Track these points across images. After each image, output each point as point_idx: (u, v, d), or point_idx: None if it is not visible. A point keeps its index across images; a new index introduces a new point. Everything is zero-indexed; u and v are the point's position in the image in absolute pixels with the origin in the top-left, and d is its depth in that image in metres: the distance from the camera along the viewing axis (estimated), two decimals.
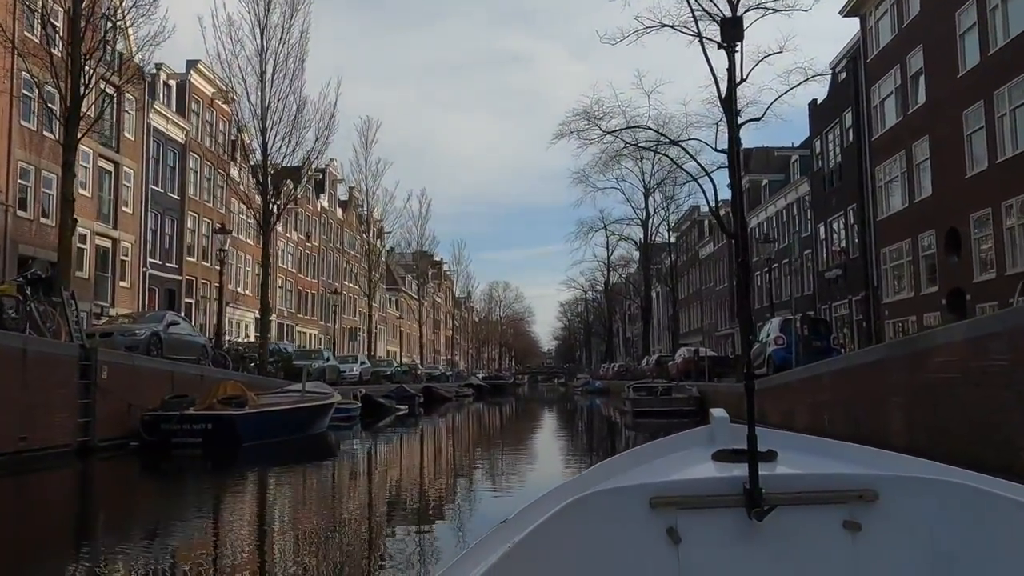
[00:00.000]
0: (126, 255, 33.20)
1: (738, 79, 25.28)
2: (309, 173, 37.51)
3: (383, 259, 62.83)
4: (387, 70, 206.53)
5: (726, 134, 26.88)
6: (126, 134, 33.06)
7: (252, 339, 38.04)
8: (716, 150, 28.29)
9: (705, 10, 24.48)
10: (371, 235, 58.82)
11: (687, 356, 37.43)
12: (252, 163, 32.07)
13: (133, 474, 15.32)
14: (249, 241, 44.72)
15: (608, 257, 72.58)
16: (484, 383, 70.61)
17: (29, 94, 24.98)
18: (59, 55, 19.47)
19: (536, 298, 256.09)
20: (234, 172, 36.38)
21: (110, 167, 32.05)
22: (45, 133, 25.80)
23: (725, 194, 34.50)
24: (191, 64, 38.52)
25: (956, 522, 2.54)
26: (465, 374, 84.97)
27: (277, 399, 20.39)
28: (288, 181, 32.77)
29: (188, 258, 38.49)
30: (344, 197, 64.21)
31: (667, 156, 37.55)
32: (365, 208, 57.12)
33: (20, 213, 26.29)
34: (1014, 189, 20.60)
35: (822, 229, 36.51)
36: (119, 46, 24.36)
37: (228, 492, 12.82)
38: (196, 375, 20.49)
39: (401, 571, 7.01)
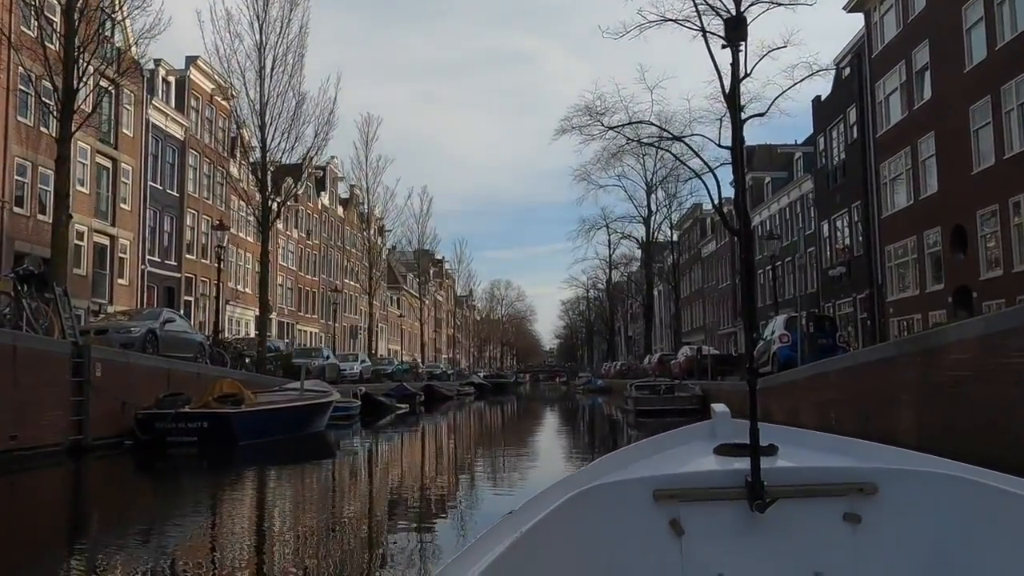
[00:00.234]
0: (125, 252, 32.98)
1: (742, 74, 25.06)
2: (310, 170, 37.33)
3: (384, 257, 62.63)
4: (388, 68, 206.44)
5: (730, 130, 26.66)
6: (124, 130, 32.84)
7: (252, 336, 37.74)
8: (720, 146, 28.10)
9: (709, 4, 24.28)
10: (372, 233, 58.60)
11: (690, 355, 37.24)
12: (252, 160, 31.87)
13: (126, 473, 15.09)
14: (249, 239, 44.48)
15: (610, 255, 72.45)
16: (486, 382, 70.50)
17: (26, 89, 24.77)
18: (53, 48, 19.25)
19: (538, 297, 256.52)
20: (234, 169, 36.18)
21: (108, 164, 31.83)
22: (42, 129, 25.55)
23: (729, 192, 34.26)
24: (190, 60, 38.31)
25: (955, 514, 2.59)
26: (467, 373, 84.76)
27: (275, 397, 20.18)
28: (288, 178, 32.57)
29: (188, 256, 38.25)
30: (345, 195, 63.99)
31: (670, 152, 37.37)
32: (366, 206, 56.89)
33: (16, 210, 26.08)
34: (1022, 185, 20.34)
35: (825, 227, 36.24)
36: (116, 40, 24.12)
37: (223, 492, 12.62)
38: (193, 373, 20.27)
39: (400, 571, 6.80)
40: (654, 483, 2.74)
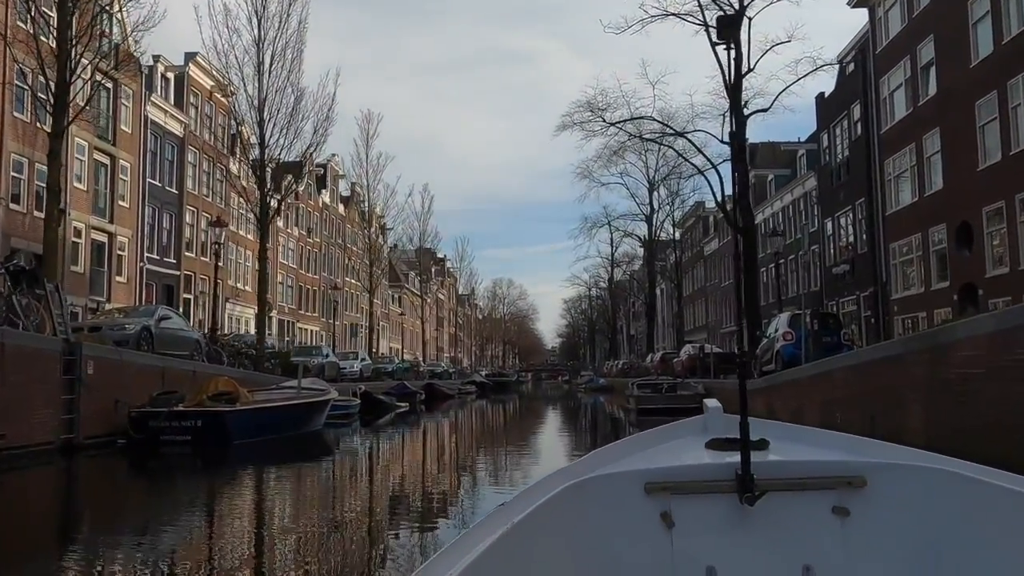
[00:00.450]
0: (123, 250, 32.74)
1: (745, 69, 24.84)
2: (310, 168, 37.14)
3: (385, 255, 62.37)
4: (389, 66, 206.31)
5: (734, 126, 26.41)
6: (123, 127, 32.62)
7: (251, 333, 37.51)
8: (722, 142, 27.96)
9: None
10: (373, 231, 58.39)
11: (692, 353, 37.07)
12: (251, 157, 31.69)
13: (118, 473, 14.83)
14: (249, 236, 44.21)
15: (612, 254, 72.36)
16: (487, 380, 70.37)
17: (22, 84, 24.54)
18: (47, 42, 19.01)
19: (540, 295, 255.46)
20: (233, 166, 35.97)
21: (107, 160, 31.60)
22: (38, 125, 25.34)
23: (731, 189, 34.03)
24: (189, 57, 38.06)
25: (942, 508, 2.61)
26: (468, 371, 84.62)
27: (271, 396, 19.94)
28: (288, 175, 32.34)
29: (187, 253, 38.01)
30: (346, 193, 63.77)
31: (672, 148, 37.11)
32: (367, 204, 56.69)
33: (13, 206, 25.85)
34: None
35: (829, 224, 35.96)
36: (113, 33, 23.90)
37: (216, 491, 12.40)
38: (188, 371, 20.02)
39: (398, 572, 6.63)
40: (646, 476, 2.77)
